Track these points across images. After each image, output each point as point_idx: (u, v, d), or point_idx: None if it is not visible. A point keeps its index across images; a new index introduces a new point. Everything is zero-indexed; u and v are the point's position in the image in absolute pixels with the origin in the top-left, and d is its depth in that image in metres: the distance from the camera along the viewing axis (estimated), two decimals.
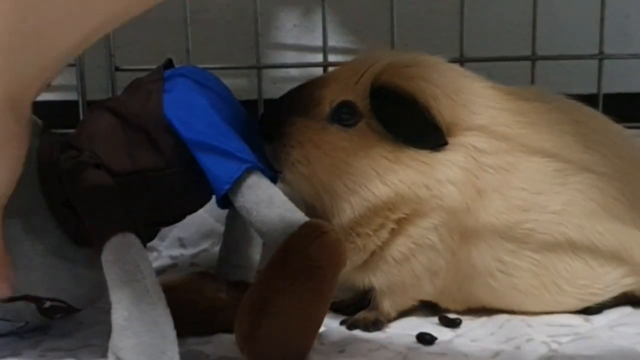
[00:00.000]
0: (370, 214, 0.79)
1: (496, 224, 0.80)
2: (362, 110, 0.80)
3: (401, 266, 0.81)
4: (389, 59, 0.82)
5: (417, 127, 0.79)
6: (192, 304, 0.80)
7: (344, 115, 0.80)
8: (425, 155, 0.79)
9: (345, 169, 0.79)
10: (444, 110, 0.79)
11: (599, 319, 0.83)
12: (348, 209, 0.79)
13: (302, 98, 0.81)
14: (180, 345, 0.76)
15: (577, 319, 0.83)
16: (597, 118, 0.88)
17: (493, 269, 0.82)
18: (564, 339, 0.77)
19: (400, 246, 0.80)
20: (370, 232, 0.80)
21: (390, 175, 0.79)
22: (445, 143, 0.79)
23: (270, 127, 0.81)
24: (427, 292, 0.84)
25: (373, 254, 0.81)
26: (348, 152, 0.79)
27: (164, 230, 1.03)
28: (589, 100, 0.91)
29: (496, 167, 0.80)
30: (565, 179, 0.82)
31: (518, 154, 0.81)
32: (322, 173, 0.79)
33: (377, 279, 0.82)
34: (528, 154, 0.81)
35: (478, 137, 0.80)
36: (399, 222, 0.80)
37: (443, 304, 0.85)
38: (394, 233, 0.80)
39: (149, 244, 1.02)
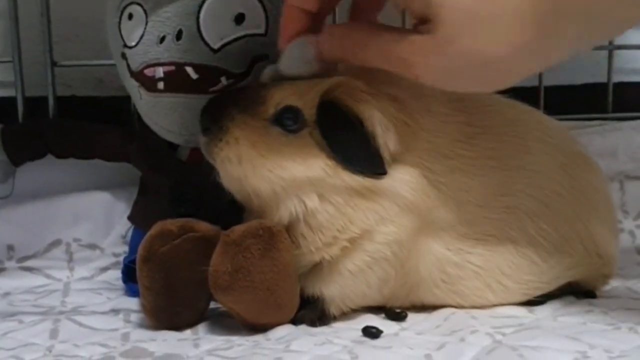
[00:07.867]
0: (309, 230, 0.78)
1: (445, 237, 0.80)
2: (307, 119, 0.77)
3: (356, 278, 0.79)
4: (345, 78, 0.77)
5: (358, 151, 0.76)
6: None
7: (288, 120, 0.76)
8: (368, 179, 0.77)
9: (279, 174, 0.76)
10: (393, 138, 0.77)
11: (542, 310, 0.84)
12: (277, 219, 0.77)
13: (248, 94, 0.78)
14: (123, 343, 0.76)
15: (521, 310, 0.84)
16: (533, 114, 0.88)
17: (437, 279, 0.82)
18: (507, 330, 0.77)
19: (357, 260, 0.79)
20: (313, 250, 0.78)
21: (331, 192, 0.77)
22: (384, 173, 0.76)
23: (209, 119, 0.77)
24: (375, 300, 0.83)
25: (322, 264, 0.79)
26: (285, 157, 0.76)
27: (107, 227, 1.02)
28: (531, 92, 0.92)
29: (448, 184, 0.79)
30: (508, 187, 0.82)
31: (467, 169, 0.80)
32: (252, 176, 0.76)
33: (329, 290, 0.80)
34: (476, 168, 0.81)
35: (431, 156, 0.79)
36: (351, 240, 0.78)
37: (389, 305, 0.84)
38: (348, 249, 0.78)
39: (91, 242, 1.01)
